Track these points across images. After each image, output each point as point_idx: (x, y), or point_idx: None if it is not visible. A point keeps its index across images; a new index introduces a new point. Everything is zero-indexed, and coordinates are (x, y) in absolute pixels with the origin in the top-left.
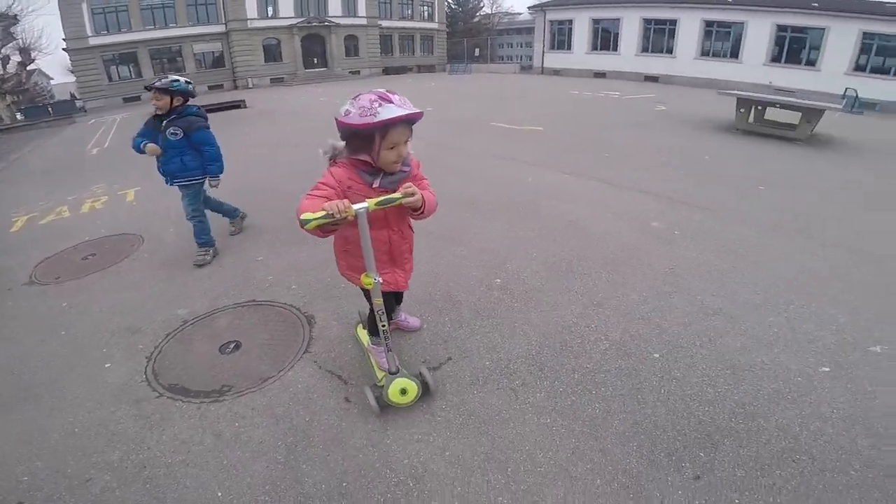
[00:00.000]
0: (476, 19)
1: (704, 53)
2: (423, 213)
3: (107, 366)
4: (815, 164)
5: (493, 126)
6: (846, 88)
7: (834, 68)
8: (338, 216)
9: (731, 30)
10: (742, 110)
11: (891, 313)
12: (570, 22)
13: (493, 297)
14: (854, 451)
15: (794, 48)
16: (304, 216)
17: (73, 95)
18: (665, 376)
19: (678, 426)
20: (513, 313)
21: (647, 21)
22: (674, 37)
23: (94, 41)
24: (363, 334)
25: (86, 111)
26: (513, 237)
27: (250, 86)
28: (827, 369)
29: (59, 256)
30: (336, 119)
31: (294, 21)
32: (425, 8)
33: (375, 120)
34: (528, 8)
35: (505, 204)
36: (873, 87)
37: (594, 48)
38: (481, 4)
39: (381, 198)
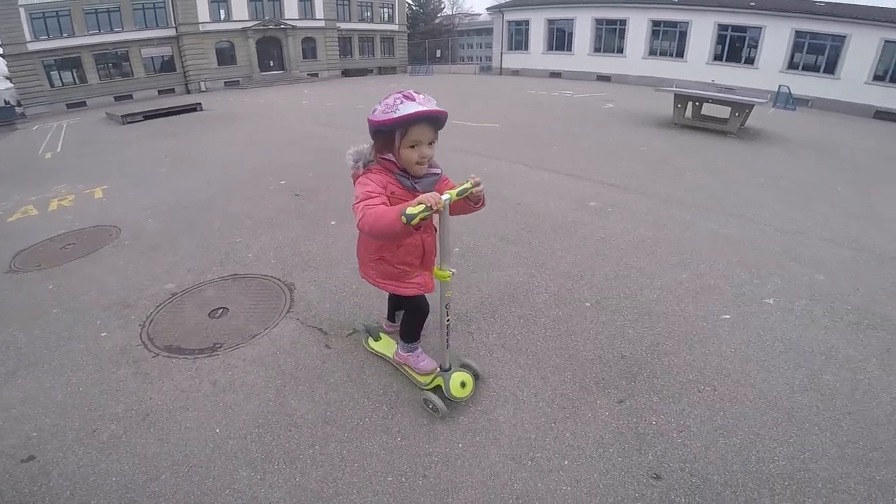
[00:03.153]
0: (437, 21)
1: (652, 53)
2: (483, 204)
3: (103, 335)
4: (740, 153)
5: (452, 124)
6: (780, 85)
7: (770, 66)
8: (435, 208)
9: (677, 29)
10: (679, 106)
11: (784, 273)
12: (527, 23)
13: (453, 263)
14: (748, 384)
15: (735, 47)
16: (409, 210)
17: (7, 102)
18: (594, 320)
19: (604, 360)
20: (469, 275)
21: (598, 21)
22: (624, 37)
23: (33, 46)
24: (383, 345)
25: (26, 117)
26: (470, 217)
27: (203, 89)
28: (728, 317)
29: (36, 247)
30: (367, 119)
31: (248, 24)
32: (385, 10)
33: (395, 116)
34: (487, 9)
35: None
36: (806, 84)
37: (550, 48)
38: (442, 6)
39: (460, 188)
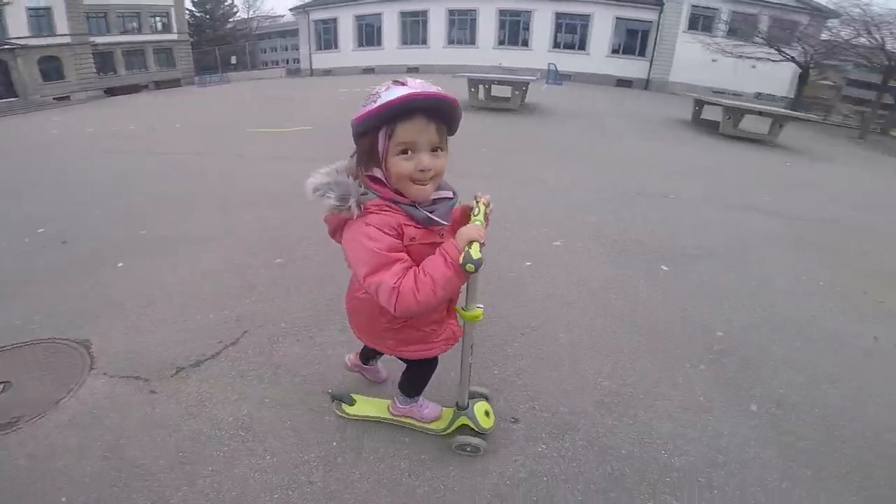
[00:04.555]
0: (229, 25)
1: (451, 42)
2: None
3: None
4: (523, 127)
5: (254, 134)
6: (549, 63)
7: (541, 47)
8: (484, 242)
9: (468, 17)
10: (472, 90)
11: (567, 223)
12: (335, 20)
13: (273, 268)
14: (557, 318)
15: (513, 31)
16: (475, 256)
17: None
18: None
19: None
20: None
21: (403, 14)
22: (426, 28)
23: None
24: (363, 408)
25: None
26: (300, 218)
27: None
28: (529, 263)
29: None
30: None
31: None
32: (158, 18)
33: (375, 105)
34: (290, 10)
35: (273, 196)
36: (568, 61)
37: (360, 45)
38: (234, 10)
39: (479, 212)
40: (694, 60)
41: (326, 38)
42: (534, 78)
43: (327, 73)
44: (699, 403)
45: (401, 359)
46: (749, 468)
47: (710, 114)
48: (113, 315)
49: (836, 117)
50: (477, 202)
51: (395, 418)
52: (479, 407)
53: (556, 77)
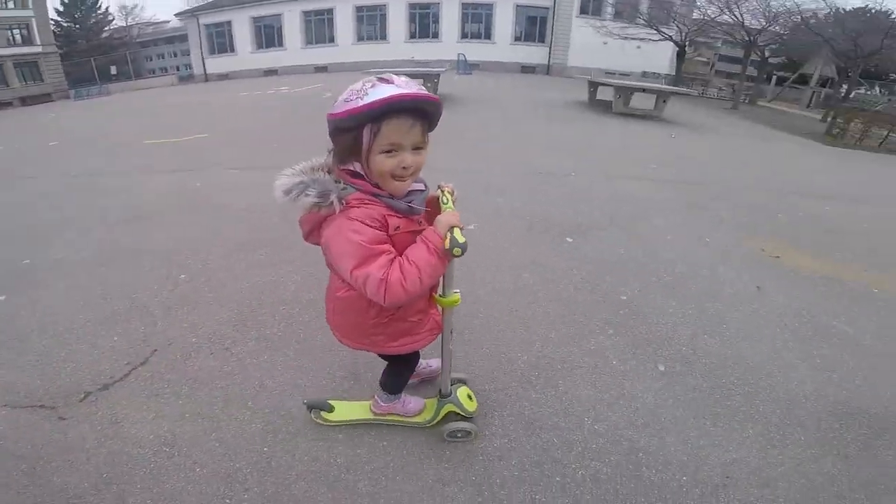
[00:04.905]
0: (105, 34)
1: (360, 38)
2: None
3: None
4: None
5: (141, 146)
6: (458, 54)
7: (450, 38)
8: (462, 226)
9: (378, 13)
10: None
11: (480, 206)
12: (229, 24)
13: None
14: (478, 300)
15: (423, 24)
16: (460, 240)
17: None
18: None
19: None
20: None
21: (306, 13)
22: (333, 26)
23: None
24: (344, 412)
25: None
26: (203, 231)
27: None
28: (473, 227)
29: None
30: (327, 115)
31: None
32: (17, 30)
33: (362, 103)
34: (176, 15)
35: (178, 205)
36: (476, 50)
37: (260, 47)
38: (109, 18)
39: (448, 199)
40: (588, 44)
41: (220, 41)
42: (444, 69)
43: (223, 77)
44: (613, 368)
45: (382, 356)
46: (667, 429)
47: (603, 94)
48: (4, 347)
49: (712, 91)
50: (442, 191)
51: (378, 417)
52: (462, 392)
53: (465, 67)
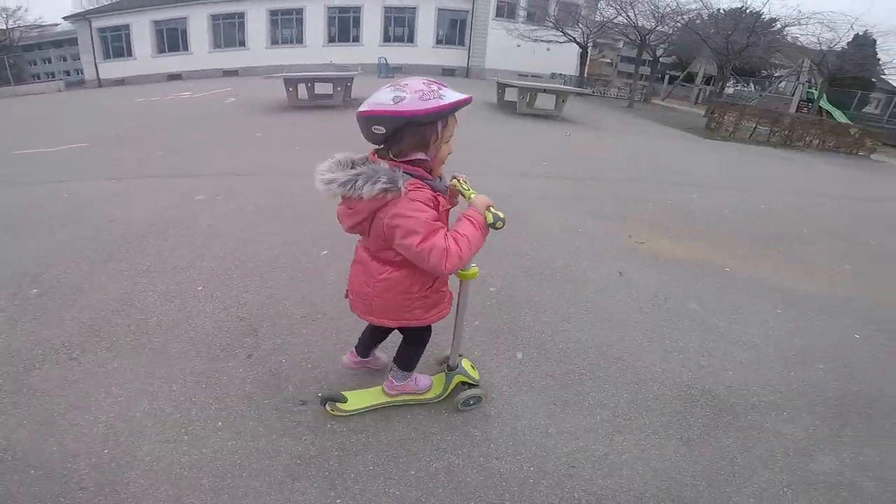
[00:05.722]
0: None
1: (275, 42)
2: None
3: None
4: (344, 120)
5: (16, 155)
6: (379, 57)
7: (371, 41)
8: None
9: (294, 17)
10: (290, 90)
11: None
12: (128, 27)
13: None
14: (342, 302)
15: (343, 28)
16: (501, 214)
17: None
18: (208, 298)
19: (225, 328)
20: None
21: (215, 17)
22: (244, 29)
23: None
24: (358, 399)
25: None
26: (54, 244)
27: None
28: (325, 252)
29: None
30: (380, 110)
31: None
32: None
33: (443, 102)
34: (65, 18)
35: (40, 219)
36: (398, 54)
37: (162, 51)
38: None
39: (469, 186)
40: (503, 47)
41: (117, 45)
42: (357, 72)
43: (120, 82)
44: (475, 359)
45: (402, 331)
46: (519, 418)
47: (510, 95)
48: None
49: (613, 90)
50: (458, 180)
51: (393, 399)
52: (465, 363)
53: (387, 70)
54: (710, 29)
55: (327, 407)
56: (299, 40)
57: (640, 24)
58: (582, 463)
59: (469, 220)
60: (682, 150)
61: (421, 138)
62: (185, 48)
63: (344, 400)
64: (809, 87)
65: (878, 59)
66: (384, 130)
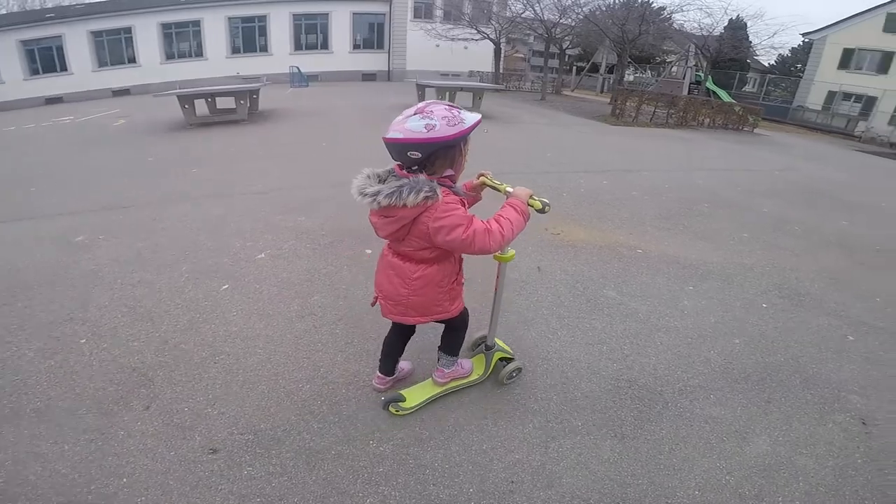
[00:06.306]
0: None
1: (170, 57)
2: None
3: None
4: (251, 136)
5: None
6: (290, 66)
7: (281, 50)
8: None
9: (190, 29)
10: (187, 107)
11: (275, 229)
12: None
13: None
14: (255, 335)
15: (248, 38)
16: (547, 200)
17: None
18: (95, 349)
19: (116, 381)
20: None
21: (96, 34)
22: (132, 45)
23: None
24: (417, 394)
25: None
26: None
27: None
28: (226, 287)
29: None
30: (416, 139)
31: None
32: None
33: (465, 126)
34: None
35: None
36: (312, 62)
37: (35, 73)
38: None
39: (496, 181)
40: (422, 48)
41: None
42: (263, 84)
43: None
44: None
45: (441, 321)
46: (451, 438)
47: (430, 96)
48: None
49: (526, 85)
50: (488, 177)
51: (445, 388)
52: (497, 340)
53: (300, 79)
54: (608, 20)
55: (391, 408)
56: (198, 53)
57: (546, 17)
58: (521, 477)
59: (512, 206)
60: (591, 137)
61: (451, 158)
62: (64, 68)
63: (404, 399)
64: (697, 71)
65: (750, 42)
66: (420, 155)
